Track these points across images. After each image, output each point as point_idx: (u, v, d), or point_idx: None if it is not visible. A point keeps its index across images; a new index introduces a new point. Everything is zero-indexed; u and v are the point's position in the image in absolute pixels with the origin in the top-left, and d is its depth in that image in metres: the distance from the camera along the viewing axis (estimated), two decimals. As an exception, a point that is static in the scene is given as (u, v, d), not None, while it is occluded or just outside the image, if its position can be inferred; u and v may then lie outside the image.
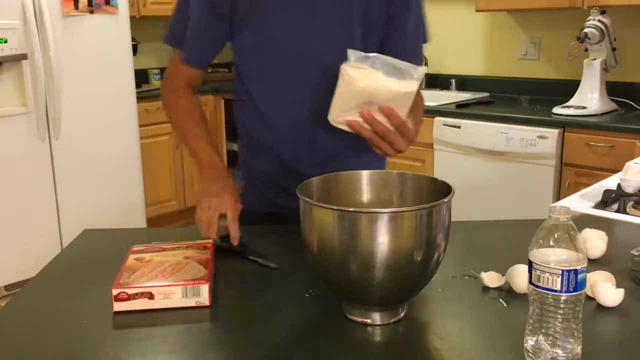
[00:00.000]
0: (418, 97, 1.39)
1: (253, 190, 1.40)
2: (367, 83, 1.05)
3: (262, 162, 1.37)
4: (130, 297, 0.93)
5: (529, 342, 0.77)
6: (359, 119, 1.06)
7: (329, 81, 1.08)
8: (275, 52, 1.25)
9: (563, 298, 0.74)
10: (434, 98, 3.40)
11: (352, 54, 1.06)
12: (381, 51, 1.29)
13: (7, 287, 3.11)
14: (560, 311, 0.74)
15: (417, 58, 1.32)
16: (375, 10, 1.25)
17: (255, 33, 1.25)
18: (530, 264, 0.76)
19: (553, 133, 2.80)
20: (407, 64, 1.07)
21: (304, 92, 1.26)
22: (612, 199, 1.53)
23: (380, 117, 1.06)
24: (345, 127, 1.10)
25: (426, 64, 3.63)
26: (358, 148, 1.24)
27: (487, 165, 3.04)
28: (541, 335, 0.76)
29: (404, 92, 1.06)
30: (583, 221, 1.31)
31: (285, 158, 1.33)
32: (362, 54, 1.06)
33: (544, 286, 0.74)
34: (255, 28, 1.25)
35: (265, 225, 1.29)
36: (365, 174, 1.02)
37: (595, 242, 1.11)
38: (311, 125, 1.27)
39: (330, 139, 1.29)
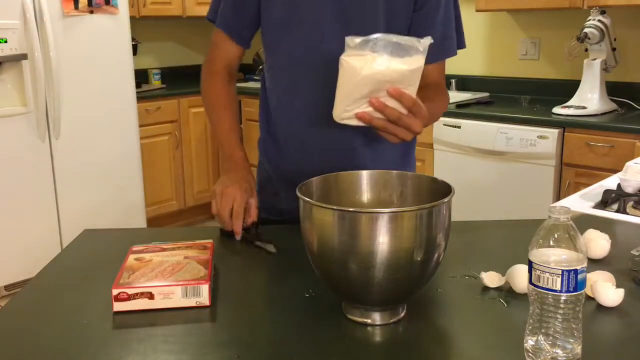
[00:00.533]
0: (442, 92, 1.37)
1: (267, 198, 1.40)
2: (372, 69, 0.98)
3: (285, 153, 1.35)
4: (130, 297, 0.93)
5: (529, 342, 0.77)
6: (369, 109, 1.00)
7: None
8: (295, 32, 1.25)
9: (563, 298, 0.74)
10: (434, 98, 3.40)
11: (350, 40, 0.98)
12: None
13: (7, 287, 3.11)
14: (560, 311, 0.74)
15: (445, 49, 1.28)
16: None
17: (276, 11, 1.25)
18: (530, 264, 0.76)
19: (553, 133, 2.80)
20: (411, 38, 0.99)
21: (322, 76, 1.22)
22: (612, 199, 1.53)
23: (391, 102, 1.00)
24: (353, 122, 1.03)
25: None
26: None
27: (487, 165, 3.04)
28: (541, 335, 0.76)
29: (411, 69, 0.99)
30: (583, 221, 1.31)
31: (309, 144, 1.31)
32: (361, 38, 0.98)
33: (544, 286, 0.74)
34: (278, 5, 1.25)
35: (267, 225, 1.29)
36: (365, 174, 1.02)
37: (599, 242, 1.11)
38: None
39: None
